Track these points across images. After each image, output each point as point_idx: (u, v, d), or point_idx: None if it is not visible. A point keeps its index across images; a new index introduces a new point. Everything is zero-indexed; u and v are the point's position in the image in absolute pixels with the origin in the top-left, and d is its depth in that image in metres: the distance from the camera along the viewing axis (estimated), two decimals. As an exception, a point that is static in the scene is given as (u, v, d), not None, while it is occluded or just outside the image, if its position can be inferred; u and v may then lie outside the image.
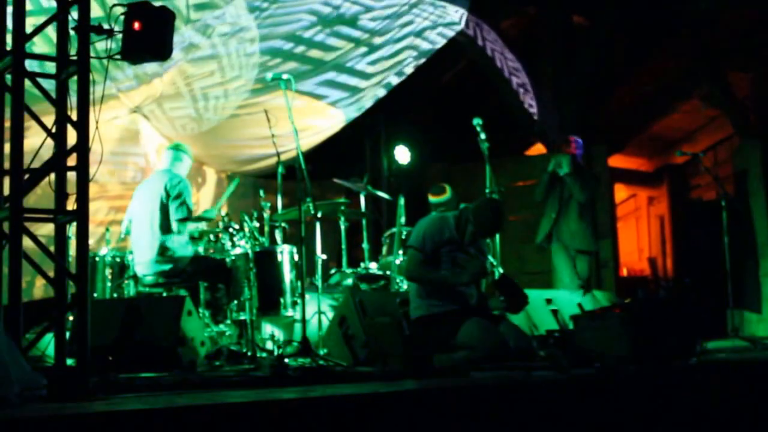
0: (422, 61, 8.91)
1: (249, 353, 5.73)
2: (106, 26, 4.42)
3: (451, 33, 8.84)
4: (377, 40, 8.33)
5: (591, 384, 4.27)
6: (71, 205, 4.27)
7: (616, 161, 12.31)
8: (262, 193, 7.36)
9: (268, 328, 6.58)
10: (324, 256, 6.75)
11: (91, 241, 4.72)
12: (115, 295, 6.50)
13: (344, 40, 8.11)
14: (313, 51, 8.04)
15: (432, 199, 7.61)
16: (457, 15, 8.77)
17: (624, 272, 12.70)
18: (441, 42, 8.80)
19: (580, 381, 4.31)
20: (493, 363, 4.91)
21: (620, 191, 13.34)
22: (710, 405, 4.35)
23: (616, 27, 10.41)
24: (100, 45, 4.50)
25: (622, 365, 4.72)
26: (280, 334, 6.52)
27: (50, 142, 4.31)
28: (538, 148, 11.37)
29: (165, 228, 6.31)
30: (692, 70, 11.09)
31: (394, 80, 8.91)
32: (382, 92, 8.98)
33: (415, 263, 5.38)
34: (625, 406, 4.11)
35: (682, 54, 10.79)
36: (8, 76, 4.28)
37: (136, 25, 4.47)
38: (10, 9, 4.38)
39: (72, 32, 4.35)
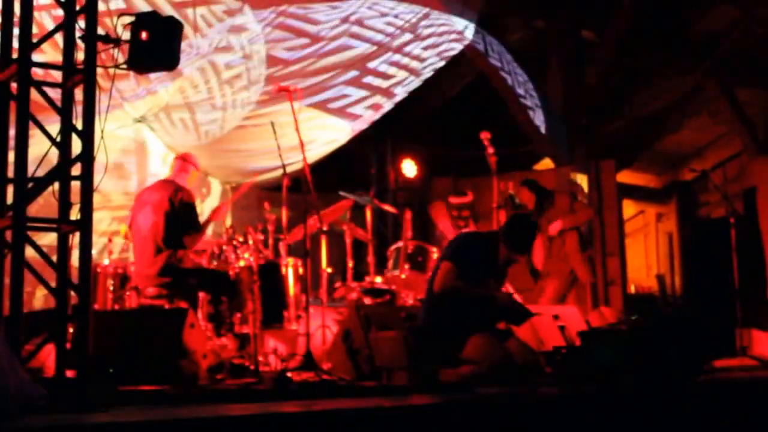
0: (430, 74, 8.90)
1: (252, 367, 5.68)
2: (113, 36, 4.42)
3: (458, 46, 8.83)
4: (385, 54, 8.33)
5: (597, 401, 4.22)
6: (74, 214, 4.25)
7: (625, 177, 12.25)
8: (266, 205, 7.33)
9: (271, 342, 6.53)
10: (329, 270, 6.70)
11: (93, 252, 4.69)
12: (116, 306, 6.46)
13: (352, 54, 8.11)
14: (320, 63, 8.04)
15: (452, 200, 7.60)
16: (464, 28, 8.76)
17: (632, 289, 12.61)
18: (448, 55, 8.79)
19: (586, 397, 4.26)
20: (499, 378, 4.86)
21: (628, 207, 13.27)
22: (717, 423, 4.29)
23: (625, 42, 10.39)
24: (107, 54, 4.49)
25: (628, 382, 4.67)
26: (283, 348, 6.47)
27: (54, 151, 4.30)
28: (545, 163, 11.33)
29: (169, 242, 6.25)
30: (702, 86, 11.05)
31: (402, 93, 8.90)
32: (389, 105, 8.96)
33: (453, 276, 5.28)
34: (630, 423, 4.06)
35: (691, 70, 10.76)
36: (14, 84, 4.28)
37: (144, 35, 4.46)
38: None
39: (79, 41, 4.34)
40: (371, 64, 8.36)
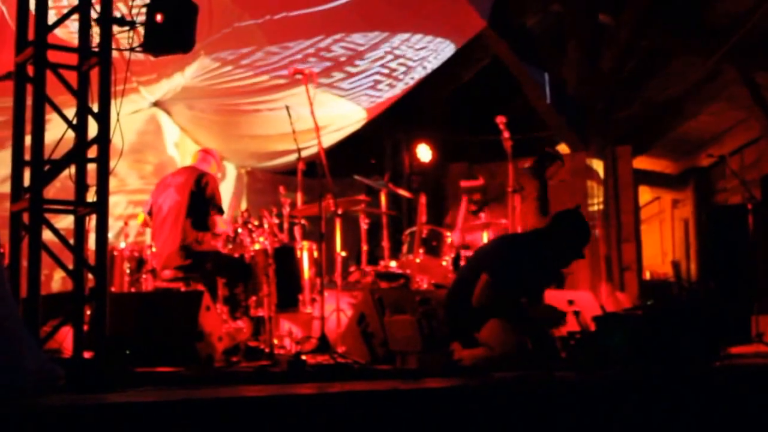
0: (442, 60, 8.88)
1: (267, 349, 5.70)
2: (128, 18, 4.42)
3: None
4: (395, 41, 8.31)
5: (612, 385, 4.21)
6: (91, 197, 4.27)
7: (641, 163, 12.18)
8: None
9: (286, 325, 6.55)
10: (344, 254, 6.71)
11: (110, 235, 4.72)
12: (132, 289, 6.50)
13: (363, 42, 8.11)
14: (332, 49, 8.02)
15: (463, 184, 7.58)
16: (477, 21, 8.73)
17: (647, 275, 12.57)
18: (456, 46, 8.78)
19: (600, 382, 4.25)
20: (514, 363, 4.85)
21: (644, 194, 13.21)
22: (731, 409, 4.27)
23: (642, 25, 10.31)
24: (122, 37, 4.50)
25: (643, 367, 4.65)
26: (298, 331, 6.49)
27: (71, 134, 4.31)
28: (561, 148, 11.27)
29: (191, 222, 6.30)
30: (720, 71, 10.95)
31: (416, 76, 8.87)
32: (402, 87, 8.93)
33: (491, 292, 5.07)
34: (645, 408, 4.05)
35: (709, 54, 10.66)
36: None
37: (159, 18, 4.46)
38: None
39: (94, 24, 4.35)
40: (383, 51, 8.33)
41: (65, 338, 4.43)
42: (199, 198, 6.31)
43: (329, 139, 8.65)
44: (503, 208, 7.50)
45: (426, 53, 8.57)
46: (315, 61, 7.81)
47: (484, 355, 4.95)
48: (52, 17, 4.44)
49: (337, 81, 8.36)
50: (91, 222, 4.28)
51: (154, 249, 6.42)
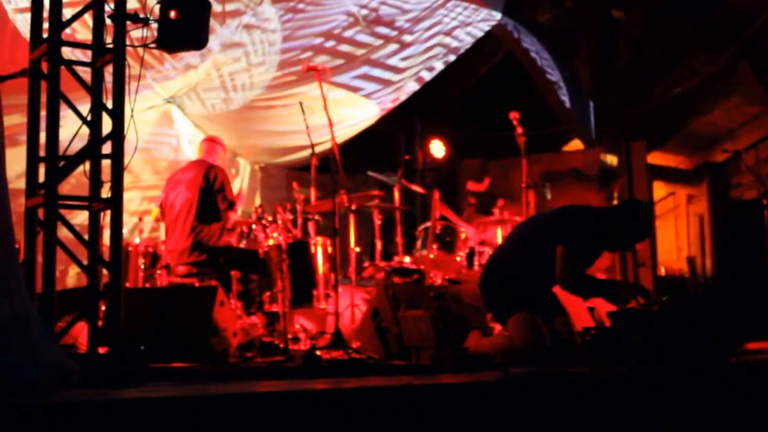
0: (456, 55, 8.85)
1: (281, 345, 5.71)
2: (142, 15, 4.43)
3: (486, 29, 8.76)
4: (409, 38, 8.28)
5: (627, 381, 4.19)
6: (105, 193, 4.28)
7: (656, 158, 12.13)
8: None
9: (300, 320, 6.56)
10: (358, 249, 6.71)
11: (124, 231, 4.75)
12: (147, 285, 6.52)
13: (376, 38, 8.08)
14: (344, 46, 8.02)
15: (470, 186, 7.58)
16: (492, 14, 8.69)
17: (662, 271, 12.51)
18: (472, 39, 8.73)
19: (615, 378, 4.23)
20: (530, 358, 4.84)
21: (659, 189, 13.14)
22: (748, 405, 4.25)
23: (655, 21, 10.25)
24: (136, 34, 4.50)
25: (658, 363, 4.63)
26: (312, 327, 6.50)
27: (85, 130, 4.32)
28: (575, 144, 11.25)
29: (202, 218, 6.32)
30: (733, 67, 10.88)
31: (427, 75, 8.86)
32: (415, 86, 8.92)
33: (580, 268, 5.11)
34: (661, 404, 4.03)
35: (723, 50, 10.59)
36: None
37: (172, 14, 4.47)
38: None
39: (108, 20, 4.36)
40: (396, 48, 8.32)
41: (80, 334, 4.44)
42: (209, 193, 6.33)
43: (343, 135, 8.65)
44: (517, 205, 7.49)
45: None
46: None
47: (504, 344, 4.94)
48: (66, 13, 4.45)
49: (354, 79, 8.38)
50: (106, 218, 4.29)
51: (168, 245, 6.44)
